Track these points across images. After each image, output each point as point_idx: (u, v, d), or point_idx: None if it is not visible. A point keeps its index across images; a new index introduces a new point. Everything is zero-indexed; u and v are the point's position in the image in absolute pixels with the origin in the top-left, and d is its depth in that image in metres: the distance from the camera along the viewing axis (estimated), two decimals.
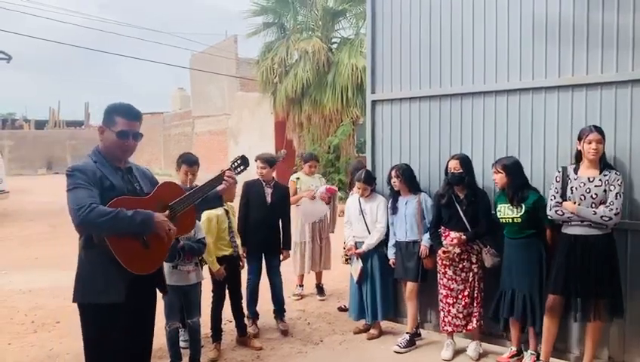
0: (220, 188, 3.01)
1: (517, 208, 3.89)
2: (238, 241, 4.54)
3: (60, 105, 36.67)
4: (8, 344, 4.78)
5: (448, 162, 4.23)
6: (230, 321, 4.83)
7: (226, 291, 4.56)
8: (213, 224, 4.34)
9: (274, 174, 5.19)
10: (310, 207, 5.92)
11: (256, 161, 5.09)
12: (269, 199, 4.98)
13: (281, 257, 5.18)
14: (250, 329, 4.80)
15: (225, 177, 3.00)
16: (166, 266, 4.02)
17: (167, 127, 27.86)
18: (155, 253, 2.77)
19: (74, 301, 2.71)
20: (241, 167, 3.12)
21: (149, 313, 2.95)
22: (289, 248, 5.24)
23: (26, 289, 6.62)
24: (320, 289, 6.15)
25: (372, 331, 4.82)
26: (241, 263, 4.63)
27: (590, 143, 3.57)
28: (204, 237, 4.15)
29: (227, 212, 4.43)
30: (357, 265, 4.77)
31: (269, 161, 5.07)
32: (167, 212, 2.75)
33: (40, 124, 36.25)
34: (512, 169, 3.95)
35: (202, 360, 4.30)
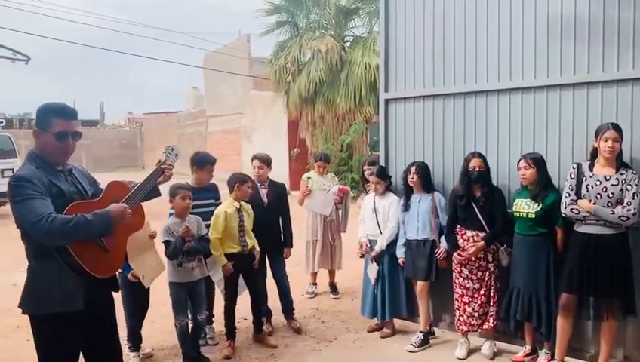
0: (160, 179, 2.99)
1: (535, 204, 3.86)
2: (251, 240, 4.54)
3: (75, 105, 36.72)
4: (27, 340, 4.83)
5: (469, 161, 4.17)
6: (245, 319, 4.87)
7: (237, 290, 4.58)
8: (220, 220, 4.38)
9: (269, 174, 5.16)
10: (319, 201, 5.83)
11: (253, 160, 5.09)
12: (265, 199, 4.95)
13: (284, 255, 5.17)
14: (264, 328, 4.82)
15: (163, 167, 2.96)
16: (170, 264, 4.09)
17: (181, 126, 28.05)
18: (115, 256, 2.74)
19: (25, 312, 2.59)
20: (176, 156, 3.11)
21: (108, 318, 2.84)
22: (291, 246, 5.17)
23: None
24: (333, 288, 6.15)
25: (386, 330, 4.83)
26: (255, 263, 4.61)
27: (607, 141, 3.53)
28: (207, 233, 4.21)
29: (239, 210, 4.46)
30: (373, 268, 4.77)
31: (266, 161, 5.07)
32: (125, 207, 2.69)
33: None
34: (543, 164, 3.91)
35: (217, 357, 4.35)
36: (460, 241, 4.25)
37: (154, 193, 3.02)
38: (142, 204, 2.91)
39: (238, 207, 4.46)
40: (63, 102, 2.70)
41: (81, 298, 2.56)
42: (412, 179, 4.54)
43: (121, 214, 2.60)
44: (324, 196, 5.87)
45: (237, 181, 4.50)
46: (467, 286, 4.24)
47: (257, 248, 4.62)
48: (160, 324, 4.75)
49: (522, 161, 3.93)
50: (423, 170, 4.52)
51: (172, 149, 3.10)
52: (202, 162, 4.64)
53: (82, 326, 2.63)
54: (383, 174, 4.80)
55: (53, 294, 2.51)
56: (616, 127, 3.55)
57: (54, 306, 2.52)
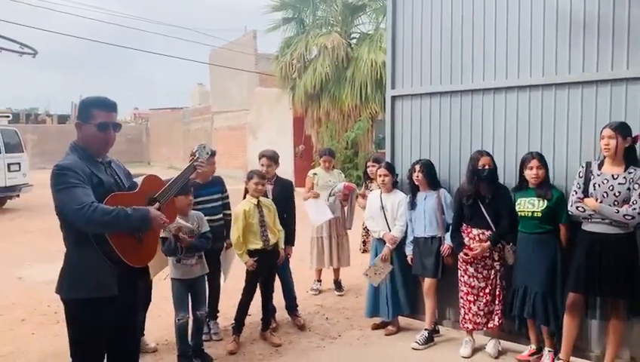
0: (193, 175, 3.12)
1: (539, 202, 3.84)
2: (274, 236, 4.53)
3: None
4: (32, 333, 4.88)
5: (478, 159, 4.12)
6: (249, 315, 4.87)
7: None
8: (240, 219, 4.40)
9: (276, 170, 5.14)
10: (314, 207, 5.81)
11: (260, 158, 5.08)
12: (270, 195, 4.93)
13: (286, 253, 5.12)
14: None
15: (196, 164, 3.10)
16: (170, 260, 4.10)
17: (186, 122, 28.07)
18: (149, 247, 2.82)
19: (63, 296, 2.68)
20: (207, 153, 3.23)
21: (133, 308, 2.91)
22: (292, 244, 5.12)
23: (49, 280, 6.67)
24: (338, 285, 6.15)
25: (390, 327, 4.82)
26: (279, 259, 4.64)
27: (603, 139, 3.53)
28: (208, 231, 4.23)
29: (259, 207, 4.47)
30: (386, 267, 4.72)
31: (274, 158, 5.07)
32: (156, 204, 2.80)
33: (62, 119, 36.76)
34: (546, 163, 3.91)
35: (221, 352, 4.36)
36: (466, 239, 4.23)
37: (186, 189, 3.19)
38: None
39: (256, 203, 4.47)
40: (105, 96, 2.78)
41: (115, 284, 2.66)
42: (417, 177, 4.52)
43: (157, 219, 2.71)
44: (318, 209, 5.81)
45: (246, 178, 4.56)
46: (472, 284, 4.23)
47: (282, 244, 4.64)
48: (164, 319, 4.76)
49: (535, 160, 3.88)
50: (428, 168, 4.51)
51: (204, 147, 3.20)
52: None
53: (114, 315, 2.72)
54: (391, 168, 4.79)
55: (90, 280, 2.61)
56: (614, 126, 3.52)
57: (91, 291, 2.62)
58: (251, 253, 4.42)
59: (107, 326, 2.72)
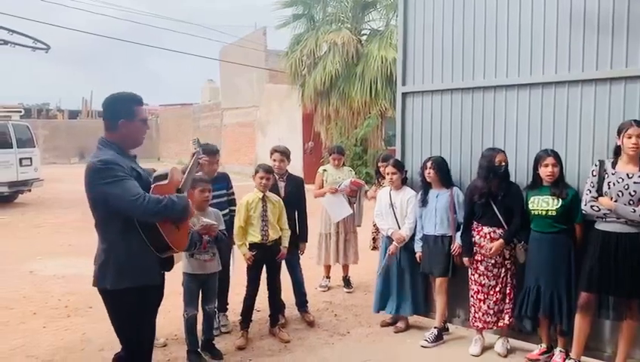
0: (199, 170, 3.31)
1: (553, 201, 3.81)
2: (274, 232, 4.52)
3: (93, 96, 37.21)
4: (43, 327, 4.92)
5: (493, 156, 4.05)
6: (259, 310, 4.88)
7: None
8: (242, 209, 4.46)
9: (287, 167, 5.14)
10: (333, 203, 5.82)
11: (272, 153, 5.08)
12: (282, 192, 4.92)
13: (300, 250, 5.15)
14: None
15: (199, 159, 3.21)
16: (184, 254, 4.11)
17: (196, 118, 28.16)
18: (184, 234, 2.98)
19: (110, 287, 2.72)
20: (200, 147, 3.29)
21: (162, 295, 3.02)
22: (305, 240, 5.16)
23: (60, 274, 6.80)
24: (347, 282, 6.14)
25: (399, 325, 4.81)
26: (278, 256, 4.61)
27: (630, 138, 3.46)
28: (224, 228, 4.27)
29: (264, 201, 4.47)
30: (389, 259, 4.74)
31: (286, 153, 5.06)
32: (185, 194, 2.91)
33: (73, 114, 36.99)
34: (561, 161, 3.87)
35: (230, 347, 4.37)
36: (477, 238, 4.20)
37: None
38: None
39: (261, 196, 4.47)
40: (128, 90, 2.91)
41: (158, 274, 2.84)
42: (429, 174, 4.49)
43: (190, 205, 2.88)
44: (336, 205, 5.81)
45: (253, 173, 4.58)
46: (483, 283, 4.20)
47: (285, 243, 4.62)
48: (175, 314, 4.77)
49: (550, 158, 3.83)
50: (440, 165, 4.47)
51: (198, 141, 3.27)
52: (204, 153, 4.67)
53: (157, 302, 2.89)
54: (400, 165, 4.76)
55: (137, 268, 2.73)
56: None
57: (138, 279, 2.73)
58: (250, 246, 4.45)
59: (155, 313, 2.86)
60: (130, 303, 2.74)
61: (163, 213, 2.68)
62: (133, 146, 2.89)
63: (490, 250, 4.08)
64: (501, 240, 4.07)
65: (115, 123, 2.79)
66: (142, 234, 2.69)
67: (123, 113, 2.80)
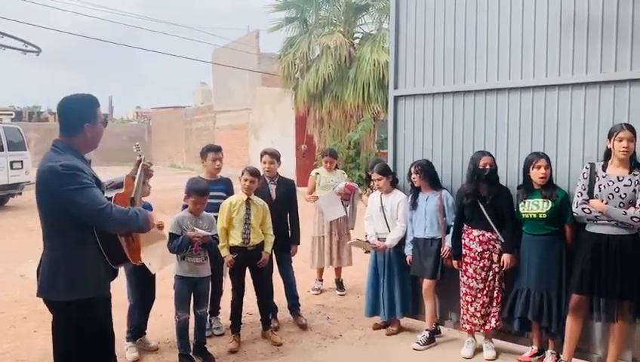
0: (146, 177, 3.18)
1: (544, 203, 3.83)
2: (256, 237, 4.47)
3: None
4: (34, 331, 4.88)
5: (478, 159, 4.11)
6: (250, 314, 4.87)
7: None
8: (225, 210, 4.43)
9: (278, 169, 5.14)
10: (329, 202, 5.81)
11: (262, 156, 5.06)
12: (273, 195, 4.91)
13: (291, 252, 5.14)
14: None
15: (145, 166, 3.09)
16: (176, 257, 4.10)
17: (188, 121, 28.09)
18: (137, 247, 2.86)
19: (61, 298, 2.62)
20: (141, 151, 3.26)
21: (110, 306, 2.88)
22: (297, 243, 5.15)
23: None
24: (339, 285, 6.14)
25: (391, 327, 4.81)
26: (259, 262, 4.52)
27: (621, 141, 3.49)
28: (216, 234, 4.26)
29: (247, 204, 4.45)
30: (367, 246, 4.83)
31: (275, 156, 5.05)
32: (137, 204, 2.86)
33: None
34: (551, 163, 3.90)
35: (222, 351, 4.36)
36: (467, 240, 4.22)
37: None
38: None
39: (245, 199, 4.45)
40: (83, 92, 2.76)
41: (107, 284, 2.73)
42: (414, 179, 4.52)
43: (152, 220, 2.79)
44: (333, 200, 5.81)
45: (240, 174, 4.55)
46: (471, 285, 4.21)
47: (267, 248, 4.57)
48: (166, 318, 4.76)
49: (542, 160, 3.86)
50: (425, 169, 4.48)
51: (138, 147, 3.28)
52: (204, 151, 4.79)
53: (110, 314, 2.77)
54: (385, 170, 4.76)
55: (89, 280, 2.62)
56: (630, 128, 3.51)
57: (90, 291, 2.62)
58: (231, 250, 4.42)
59: (110, 324, 2.74)
60: (79, 316, 2.60)
61: (128, 224, 2.60)
62: (91, 150, 2.76)
63: (503, 264, 4.09)
64: (507, 255, 4.06)
65: (79, 126, 2.64)
66: (99, 244, 2.59)
67: (87, 116, 2.66)
